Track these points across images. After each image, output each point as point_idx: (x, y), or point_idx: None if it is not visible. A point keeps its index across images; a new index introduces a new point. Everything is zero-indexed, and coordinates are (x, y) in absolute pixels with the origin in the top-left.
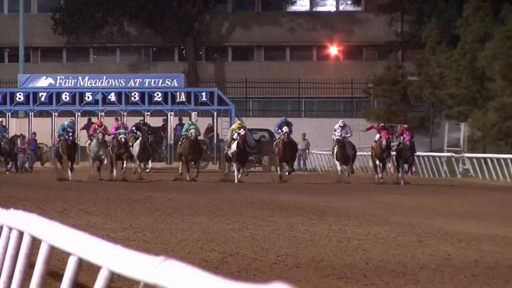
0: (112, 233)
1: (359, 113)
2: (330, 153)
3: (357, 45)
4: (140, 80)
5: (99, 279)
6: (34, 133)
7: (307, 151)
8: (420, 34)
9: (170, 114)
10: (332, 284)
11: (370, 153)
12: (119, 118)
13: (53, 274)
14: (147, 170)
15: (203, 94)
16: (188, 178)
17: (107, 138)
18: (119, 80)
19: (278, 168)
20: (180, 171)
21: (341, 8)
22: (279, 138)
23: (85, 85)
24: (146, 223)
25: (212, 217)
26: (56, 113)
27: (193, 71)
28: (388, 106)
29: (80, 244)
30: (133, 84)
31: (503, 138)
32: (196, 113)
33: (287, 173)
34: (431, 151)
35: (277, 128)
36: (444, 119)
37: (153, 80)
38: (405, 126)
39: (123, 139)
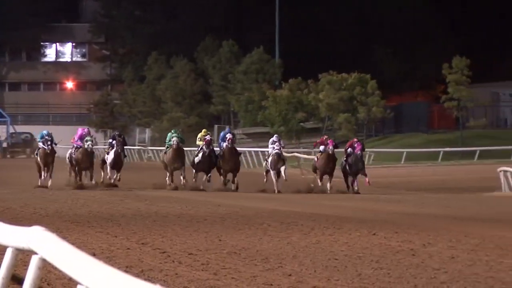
0: None
1: (85, 123)
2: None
3: (84, 81)
4: None
5: None
6: None
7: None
8: (121, 75)
9: None
10: (68, 226)
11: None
12: None
13: None
14: (118, 179)
15: None
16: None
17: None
18: None
19: (223, 176)
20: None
21: (74, 59)
22: (222, 149)
23: None
24: None
25: None
26: None
27: None
28: (102, 118)
29: None
30: None
31: None
32: None
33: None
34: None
35: (221, 141)
36: (136, 126)
37: None
38: (355, 139)
39: (90, 145)
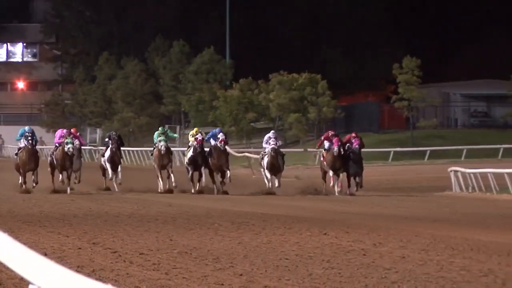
0: None
1: (36, 123)
2: (260, 160)
3: (35, 82)
4: None
5: None
6: None
7: (3, 145)
8: (72, 75)
9: None
10: (20, 226)
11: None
12: None
13: None
14: (119, 182)
15: None
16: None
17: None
18: None
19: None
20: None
21: (25, 59)
22: (211, 147)
23: None
24: None
25: None
26: None
27: None
28: (53, 118)
29: None
30: None
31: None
32: None
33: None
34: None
35: (209, 137)
36: (87, 126)
37: None
38: (353, 134)
39: (71, 149)
